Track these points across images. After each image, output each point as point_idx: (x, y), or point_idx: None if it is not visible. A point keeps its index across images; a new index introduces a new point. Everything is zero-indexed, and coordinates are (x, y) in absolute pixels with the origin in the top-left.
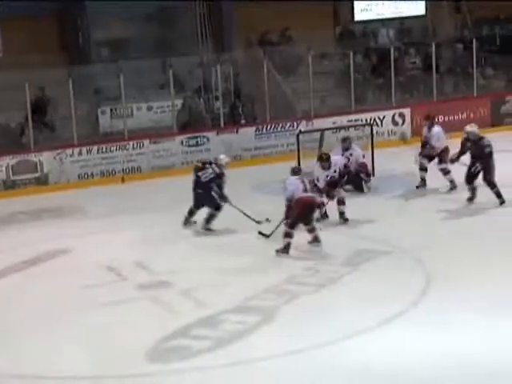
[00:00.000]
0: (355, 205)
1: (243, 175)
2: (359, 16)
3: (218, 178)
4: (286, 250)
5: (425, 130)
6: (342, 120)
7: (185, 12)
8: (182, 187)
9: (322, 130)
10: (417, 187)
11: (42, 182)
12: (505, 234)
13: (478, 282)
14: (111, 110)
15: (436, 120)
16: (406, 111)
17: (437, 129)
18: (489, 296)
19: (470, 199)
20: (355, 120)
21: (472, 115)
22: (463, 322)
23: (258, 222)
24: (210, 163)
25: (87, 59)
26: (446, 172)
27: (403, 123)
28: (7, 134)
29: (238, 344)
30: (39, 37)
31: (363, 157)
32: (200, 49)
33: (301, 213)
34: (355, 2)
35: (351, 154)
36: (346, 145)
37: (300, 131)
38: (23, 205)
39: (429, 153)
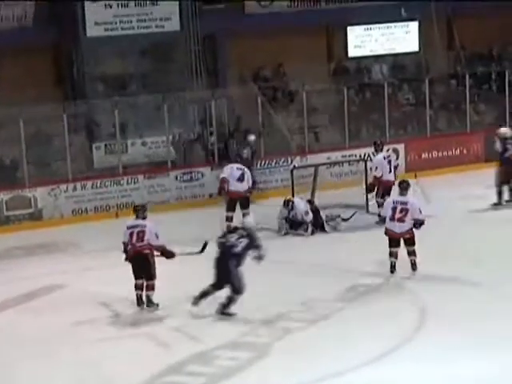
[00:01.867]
0: (347, 240)
1: (237, 211)
2: (353, 52)
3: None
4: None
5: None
6: (337, 155)
7: (179, 48)
8: (177, 222)
9: (317, 166)
10: (376, 223)
11: (37, 217)
12: (503, 265)
13: (473, 316)
14: (105, 145)
15: (381, 147)
16: (400, 147)
17: (378, 156)
18: (486, 330)
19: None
20: (349, 155)
21: (465, 151)
22: (459, 357)
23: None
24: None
25: (82, 94)
26: (379, 204)
27: (397, 159)
28: (1, 169)
29: (232, 380)
30: (34, 71)
31: (306, 214)
32: (194, 85)
33: None
34: (349, 39)
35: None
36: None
37: (294, 166)
38: (18, 240)
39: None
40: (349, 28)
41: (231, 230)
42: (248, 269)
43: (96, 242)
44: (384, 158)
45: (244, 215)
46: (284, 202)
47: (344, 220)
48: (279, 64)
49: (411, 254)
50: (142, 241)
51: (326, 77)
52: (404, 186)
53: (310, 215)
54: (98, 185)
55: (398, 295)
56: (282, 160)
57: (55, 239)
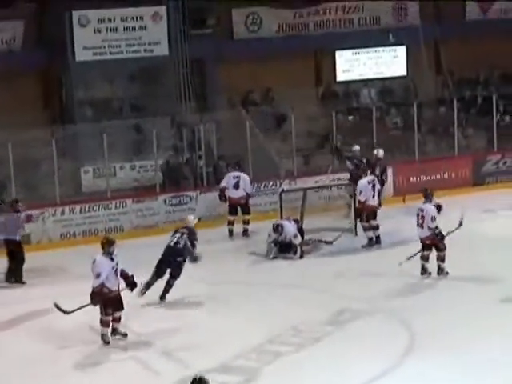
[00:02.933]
0: (335, 263)
1: (226, 234)
2: (341, 76)
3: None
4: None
5: None
6: (325, 179)
7: (168, 72)
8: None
9: (305, 189)
10: (362, 246)
11: (25, 241)
12: (488, 291)
13: (462, 340)
14: (94, 169)
15: (366, 172)
16: (388, 170)
17: (362, 181)
18: (474, 356)
19: None
20: (338, 179)
21: (454, 175)
22: (447, 381)
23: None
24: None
25: (70, 118)
26: (365, 228)
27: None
28: None
29: None
30: (22, 95)
31: (295, 236)
32: (183, 109)
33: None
34: (337, 63)
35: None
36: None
37: (283, 190)
38: (6, 265)
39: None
40: (337, 52)
41: (175, 230)
42: (237, 293)
43: (85, 267)
44: (368, 183)
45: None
46: (273, 226)
47: (328, 243)
48: (268, 88)
49: (437, 259)
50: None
51: (314, 101)
52: (424, 194)
53: (299, 238)
54: (87, 209)
55: (387, 319)
56: (271, 183)
57: (44, 264)
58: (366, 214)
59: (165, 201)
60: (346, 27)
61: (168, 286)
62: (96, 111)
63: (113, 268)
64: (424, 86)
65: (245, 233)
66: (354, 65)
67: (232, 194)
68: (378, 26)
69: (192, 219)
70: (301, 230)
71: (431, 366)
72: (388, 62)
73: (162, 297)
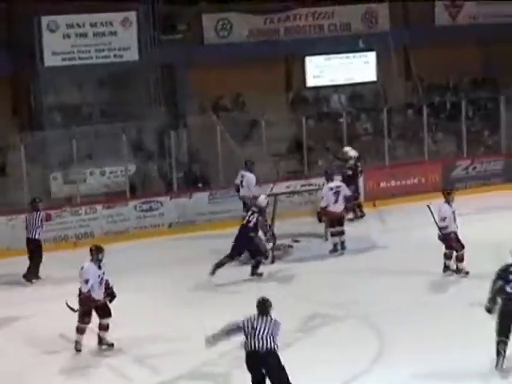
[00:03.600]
0: (305, 268)
1: (197, 240)
2: (311, 82)
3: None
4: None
5: None
6: (296, 184)
7: (138, 78)
8: (136, 252)
9: (276, 195)
10: (330, 252)
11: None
12: (459, 298)
13: (432, 346)
14: (63, 175)
15: (332, 176)
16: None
17: (324, 187)
18: (445, 360)
19: None
20: (309, 184)
21: (423, 180)
22: None
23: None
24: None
25: (39, 124)
26: (332, 234)
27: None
28: None
29: None
30: None
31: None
32: (153, 114)
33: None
34: (307, 68)
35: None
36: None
37: (253, 196)
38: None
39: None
40: (307, 58)
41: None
42: (208, 299)
43: (54, 273)
44: (331, 189)
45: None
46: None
47: (296, 241)
48: (238, 94)
49: (455, 259)
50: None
51: (285, 106)
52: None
53: (271, 243)
54: (56, 215)
55: (358, 324)
56: None
57: (13, 270)
58: (330, 220)
59: (135, 206)
60: (317, 33)
61: (256, 263)
62: (65, 117)
63: (99, 276)
64: (394, 91)
65: None
66: (325, 70)
67: (241, 191)
68: (348, 31)
69: (263, 199)
70: (272, 235)
71: (401, 371)
72: (358, 67)
73: (253, 273)
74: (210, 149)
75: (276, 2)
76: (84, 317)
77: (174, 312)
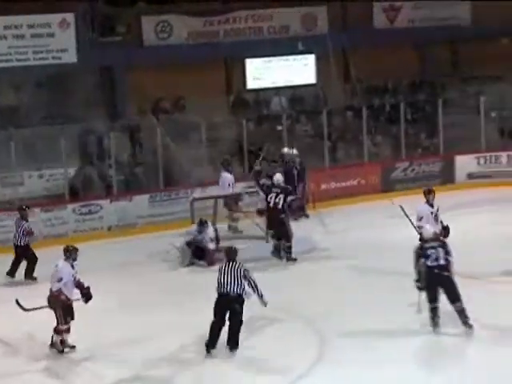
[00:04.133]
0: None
1: (137, 243)
2: (252, 84)
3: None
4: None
5: None
6: (237, 187)
7: (77, 80)
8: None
9: (216, 197)
10: (271, 253)
11: None
12: (401, 298)
13: (372, 345)
14: (1, 178)
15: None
16: None
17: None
18: (386, 360)
19: None
20: (249, 187)
21: (363, 181)
22: None
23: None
24: None
25: None
26: (272, 236)
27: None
28: None
29: None
30: None
31: (211, 241)
32: (93, 116)
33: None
34: (247, 71)
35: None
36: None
37: (194, 198)
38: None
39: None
40: (247, 60)
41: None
42: (148, 302)
43: None
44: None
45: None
46: (200, 220)
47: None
48: (179, 96)
49: None
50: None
51: (225, 109)
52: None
53: (214, 244)
54: None
55: (299, 327)
56: (182, 192)
57: None
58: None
59: (74, 210)
60: (256, 35)
61: (288, 248)
62: (3, 119)
63: (72, 276)
64: (333, 93)
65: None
66: (265, 73)
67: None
68: (287, 34)
69: (279, 176)
70: (217, 237)
71: (342, 375)
72: (298, 70)
73: (288, 259)
74: (150, 151)
75: (215, 4)
76: (65, 317)
77: (114, 315)
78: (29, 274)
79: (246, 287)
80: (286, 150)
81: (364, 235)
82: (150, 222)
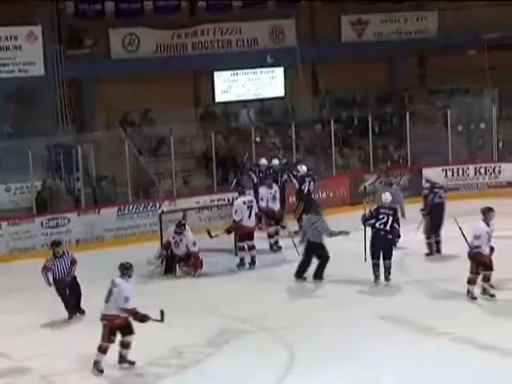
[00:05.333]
0: (217, 283)
1: (105, 256)
2: (220, 97)
3: None
4: None
5: None
6: (205, 200)
7: (44, 93)
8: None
9: (185, 210)
10: (237, 266)
11: None
12: (365, 305)
13: (340, 358)
14: None
15: (243, 190)
16: None
17: (238, 200)
18: (352, 371)
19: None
20: (218, 200)
21: (331, 194)
22: None
23: None
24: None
25: None
26: (239, 248)
27: None
28: None
29: None
30: None
31: (194, 244)
32: (60, 130)
33: None
34: (216, 84)
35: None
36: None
37: (162, 211)
38: None
39: None
40: (215, 73)
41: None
42: None
43: None
44: (244, 203)
45: None
46: (179, 222)
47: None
48: (146, 109)
49: (482, 278)
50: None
51: (193, 122)
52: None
53: (197, 247)
54: None
55: (268, 339)
56: (151, 205)
57: None
58: (240, 235)
59: (42, 223)
60: (225, 48)
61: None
62: None
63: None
64: (301, 106)
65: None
66: (233, 86)
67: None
68: (255, 47)
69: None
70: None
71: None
72: (266, 82)
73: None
74: (118, 164)
75: (183, 16)
76: (111, 335)
77: (81, 329)
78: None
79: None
80: (276, 161)
81: (333, 246)
82: (118, 236)
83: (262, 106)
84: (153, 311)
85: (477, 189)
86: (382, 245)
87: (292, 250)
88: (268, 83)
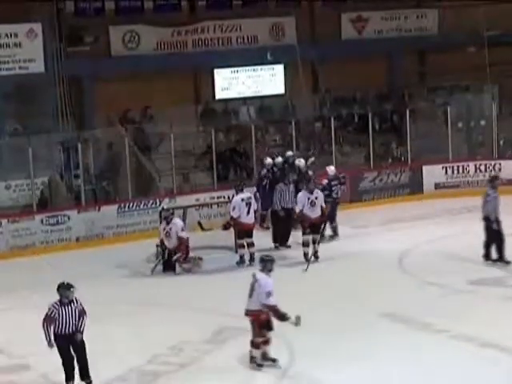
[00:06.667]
0: (214, 280)
1: (106, 254)
2: (220, 94)
3: None
4: None
5: None
6: (205, 197)
7: (44, 90)
8: (43, 267)
9: (185, 207)
10: (237, 263)
11: None
12: (367, 302)
13: (342, 355)
14: None
15: (241, 188)
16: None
17: (236, 197)
18: (353, 368)
19: None
20: (218, 197)
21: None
22: None
23: None
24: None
25: None
26: (238, 246)
27: None
28: None
29: None
30: None
31: (182, 230)
32: (60, 127)
33: None
34: (216, 81)
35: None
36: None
37: (163, 208)
38: None
39: None
40: (216, 70)
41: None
42: (115, 313)
43: None
44: (242, 200)
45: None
46: (166, 210)
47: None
48: (146, 106)
49: None
50: None
51: (193, 119)
52: None
53: (185, 233)
54: None
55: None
56: (151, 202)
57: None
58: (238, 231)
59: (42, 220)
60: (225, 45)
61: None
62: None
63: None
64: (302, 104)
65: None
66: (233, 83)
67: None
68: (256, 44)
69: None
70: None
71: (311, 381)
72: (266, 80)
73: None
74: (119, 161)
75: (184, 13)
76: (261, 329)
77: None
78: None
79: None
80: (289, 153)
81: (331, 245)
82: (118, 233)
83: (262, 103)
84: (153, 309)
85: (477, 186)
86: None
87: (294, 251)
88: (268, 80)
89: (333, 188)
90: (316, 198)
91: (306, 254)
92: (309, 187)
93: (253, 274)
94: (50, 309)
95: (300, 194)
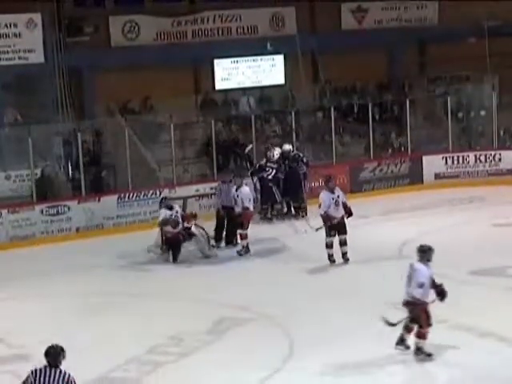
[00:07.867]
0: (214, 272)
1: (106, 244)
2: (220, 85)
3: None
4: None
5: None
6: (205, 187)
7: (44, 80)
8: (43, 257)
9: (185, 198)
10: (238, 253)
11: None
12: (367, 293)
13: (341, 345)
14: None
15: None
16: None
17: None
18: (353, 359)
19: None
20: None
21: None
22: None
23: None
24: None
25: None
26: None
27: None
28: None
29: None
30: None
31: (177, 212)
32: (60, 117)
33: None
34: (216, 71)
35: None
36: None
37: (163, 198)
38: None
39: None
40: (215, 61)
41: None
42: (114, 304)
43: None
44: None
45: None
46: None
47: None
48: (146, 97)
49: None
50: None
51: (193, 109)
52: None
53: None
54: None
55: (266, 327)
56: (151, 192)
57: None
58: (242, 222)
59: (42, 211)
60: (225, 36)
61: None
62: None
63: (430, 278)
64: (302, 94)
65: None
66: (233, 73)
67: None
68: (255, 34)
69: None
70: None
71: (309, 374)
72: (266, 70)
73: None
74: (119, 152)
75: (183, 4)
76: (428, 320)
77: (80, 317)
78: None
79: None
80: (287, 146)
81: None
82: (118, 224)
83: (262, 93)
84: (153, 299)
85: (477, 176)
86: None
87: (292, 238)
88: (268, 71)
89: (266, 168)
90: (338, 197)
91: (330, 256)
92: (329, 186)
93: (410, 264)
94: (28, 375)
95: (322, 195)
